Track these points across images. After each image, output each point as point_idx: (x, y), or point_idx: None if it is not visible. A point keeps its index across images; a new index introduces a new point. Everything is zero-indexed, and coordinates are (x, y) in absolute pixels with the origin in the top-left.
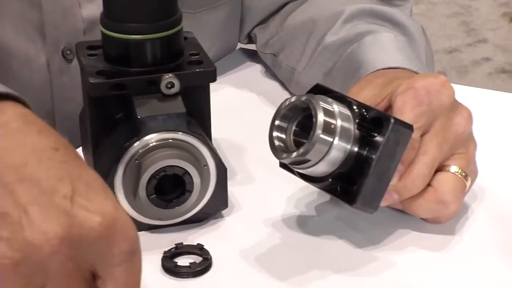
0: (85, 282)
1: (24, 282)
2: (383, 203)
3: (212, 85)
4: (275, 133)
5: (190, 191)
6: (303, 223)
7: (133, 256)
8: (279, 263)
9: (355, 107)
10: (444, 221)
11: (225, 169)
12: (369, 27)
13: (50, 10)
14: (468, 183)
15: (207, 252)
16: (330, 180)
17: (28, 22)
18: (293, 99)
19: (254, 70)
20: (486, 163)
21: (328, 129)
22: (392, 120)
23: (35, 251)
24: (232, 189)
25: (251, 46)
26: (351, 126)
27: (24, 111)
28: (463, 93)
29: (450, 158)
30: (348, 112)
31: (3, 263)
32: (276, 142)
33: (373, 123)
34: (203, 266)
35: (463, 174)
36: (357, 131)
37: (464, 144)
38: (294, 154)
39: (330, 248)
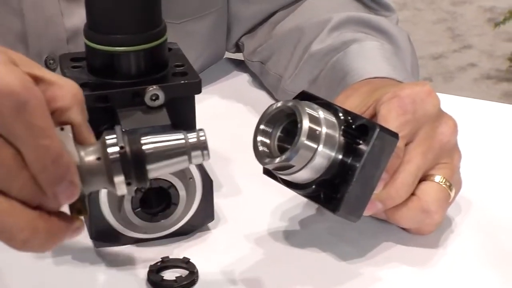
0: (3, 145)
1: None
2: (367, 212)
3: (197, 95)
4: (259, 138)
5: (176, 204)
6: (290, 236)
7: (24, 107)
8: (266, 276)
9: (340, 114)
10: (428, 233)
11: (211, 182)
12: (355, 35)
13: (33, 20)
14: (452, 193)
15: (193, 266)
16: (313, 187)
17: (10, 32)
18: (279, 104)
19: (240, 79)
20: (470, 173)
21: (313, 135)
22: (378, 128)
23: None
24: (218, 201)
25: (238, 56)
26: (336, 133)
27: None
28: (448, 102)
29: (435, 167)
30: (333, 119)
31: None
32: (260, 147)
33: (358, 130)
34: (189, 279)
35: (447, 184)
36: (342, 138)
37: (448, 154)
38: (278, 159)
39: (317, 261)
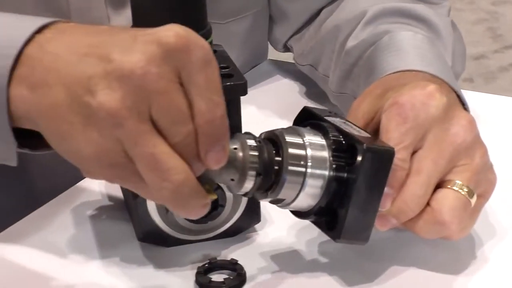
0: (181, 92)
1: (135, 114)
2: (384, 228)
3: (242, 98)
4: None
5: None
6: None
7: (210, 63)
8: (313, 276)
9: (331, 135)
10: (456, 239)
11: None
12: (388, 27)
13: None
14: (472, 199)
15: (241, 268)
16: (313, 215)
17: None
18: (262, 135)
19: (283, 81)
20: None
21: (298, 162)
22: (365, 150)
23: (130, 79)
24: (265, 202)
25: (280, 57)
26: (325, 155)
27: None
28: (490, 101)
29: (452, 171)
30: (322, 141)
31: (109, 106)
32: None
33: (349, 151)
34: (238, 281)
35: (465, 189)
36: (332, 160)
37: (466, 154)
38: (269, 195)
39: (372, 262)
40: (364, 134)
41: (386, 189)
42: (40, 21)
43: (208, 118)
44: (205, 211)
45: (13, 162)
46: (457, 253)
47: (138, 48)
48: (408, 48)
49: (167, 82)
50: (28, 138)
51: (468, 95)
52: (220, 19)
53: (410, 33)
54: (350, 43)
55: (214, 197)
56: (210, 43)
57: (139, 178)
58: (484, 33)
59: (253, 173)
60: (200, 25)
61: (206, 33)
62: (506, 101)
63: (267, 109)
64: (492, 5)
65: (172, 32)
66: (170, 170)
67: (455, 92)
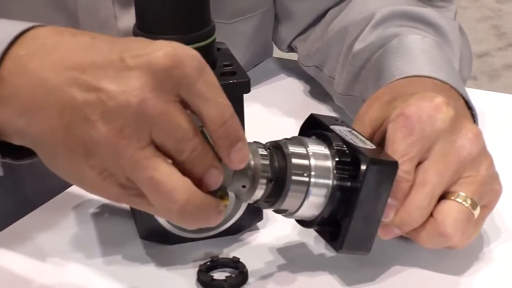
0: (181, 109)
1: (135, 141)
2: (386, 237)
3: (245, 96)
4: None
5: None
6: None
7: (204, 69)
8: (315, 275)
9: (335, 145)
10: (460, 248)
11: None
12: (397, 30)
13: (87, 23)
14: (476, 211)
15: (243, 266)
16: (316, 225)
17: None
18: (267, 144)
19: (287, 79)
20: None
21: (302, 170)
22: (368, 163)
23: (127, 109)
24: None
25: (284, 55)
26: (329, 164)
27: (49, 28)
28: (494, 99)
29: (457, 183)
30: (326, 151)
31: (109, 136)
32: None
33: (353, 162)
34: (239, 279)
35: (469, 201)
36: (335, 172)
37: (472, 166)
38: (275, 205)
39: (373, 261)
40: (369, 144)
41: (389, 200)
42: (16, 27)
43: (220, 121)
44: (221, 217)
45: None
46: (459, 254)
47: (130, 76)
48: (417, 52)
49: (163, 104)
50: (10, 148)
51: (472, 93)
52: (226, 19)
53: (419, 37)
54: (358, 45)
55: (227, 202)
56: (213, 40)
57: (144, 199)
58: (488, 30)
59: (264, 181)
60: (203, 23)
61: (209, 31)
62: (510, 99)
63: (270, 107)
64: (496, 2)
65: (161, 53)
66: (172, 192)
67: (463, 97)
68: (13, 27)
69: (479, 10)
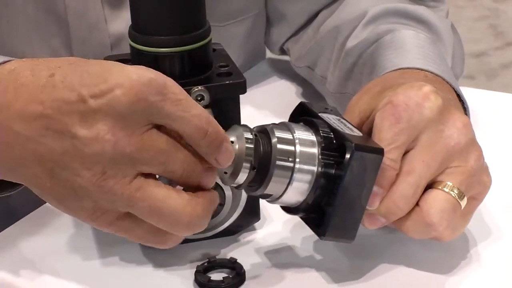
0: (156, 133)
1: (121, 178)
2: (372, 227)
3: (241, 96)
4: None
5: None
6: None
7: (166, 89)
8: (312, 275)
9: (322, 131)
10: (447, 239)
11: None
12: (390, 26)
13: (77, 27)
14: (462, 202)
15: (240, 266)
16: (302, 211)
17: (55, 38)
18: (254, 129)
19: (281, 80)
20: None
21: (287, 155)
22: (353, 149)
23: (103, 155)
24: (264, 201)
25: (278, 56)
26: (315, 151)
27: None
28: (492, 98)
29: (444, 172)
30: (312, 138)
31: (94, 181)
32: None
33: (339, 149)
34: (237, 280)
35: (456, 191)
36: (321, 158)
37: (460, 157)
38: (259, 190)
39: (369, 261)
40: (357, 132)
41: (375, 188)
42: None
43: (200, 135)
44: (217, 203)
45: None
46: (448, 252)
47: (96, 119)
48: (410, 47)
49: (137, 138)
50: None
51: (469, 92)
52: (219, 22)
53: (412, 32)
54: (351, 42)
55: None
56: (209, 41)
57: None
58: (486, 30)
59: (247, 165)
60: (198, 24)
61: (205, 32)
62: (507, 98)
63: (265, 108)
64: (493, 2)
65: (119, 91)
66: (174, 213)
67: (456, 92)
68: None
69: (476, 9)
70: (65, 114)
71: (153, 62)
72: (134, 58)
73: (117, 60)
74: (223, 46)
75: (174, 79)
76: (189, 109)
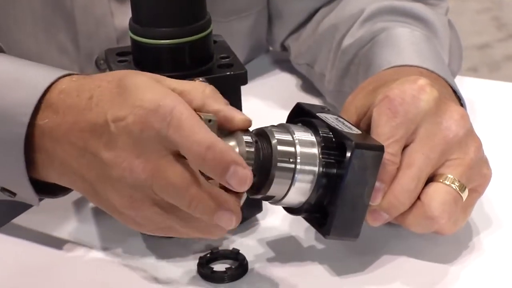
0: (172, 162)
1: (148, 200)
2: (375, 223)
3: (243, 88)
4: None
5: None
6: None
7: (170, 115)
8: (314, 265)
9: (321, 131)
10: (448, 233)
11: None
12: (386, 24)
13: (83, 21)
14: (464, 194)
15: (243, 257)
16: (304, 211)
17: (62, 33)
18: (253, 131)
19: (282, 73)
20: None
21: (288, 156)
22: (352, 149)
23: (125, 181)
24: None
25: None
26: (315, 151)
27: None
28: (495, 89)
29: (444, 165)
30: (312, 138)
31: (126, 204)
32: None
33: (339, 147)
34: (239, 271)
35: (457, 183)
36: (321, 158)
37: (459, 148)
38: (260, 193)
39: (374, 253)
40: (355, 130)
41: (377, 184)
42: (36, 93)
43: (199, 160)
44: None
45: (36, 204)
46: (449, 244)
47: (117, 142)
48: (405, 44)
49: (153, 164)
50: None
51: (472, 83)
52: (222, 17)
53: (407, 30)
54: (347, 41)
55: None
56: (210, 33)
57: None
58: (489, 22)
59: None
60: (199, 15)
61: (205, 23)
62: (510, 88)
63: (265, 101)
64: None
65: (131, 118)
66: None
67: (451, 87)
68: (34, 91)
69: (479, 1)
70: (95, 137)
71: (154, 54)
72: (135, 50)
73: (118, 53)
74: (223, 38)
75: (175, 71)
76: (190, 134)
